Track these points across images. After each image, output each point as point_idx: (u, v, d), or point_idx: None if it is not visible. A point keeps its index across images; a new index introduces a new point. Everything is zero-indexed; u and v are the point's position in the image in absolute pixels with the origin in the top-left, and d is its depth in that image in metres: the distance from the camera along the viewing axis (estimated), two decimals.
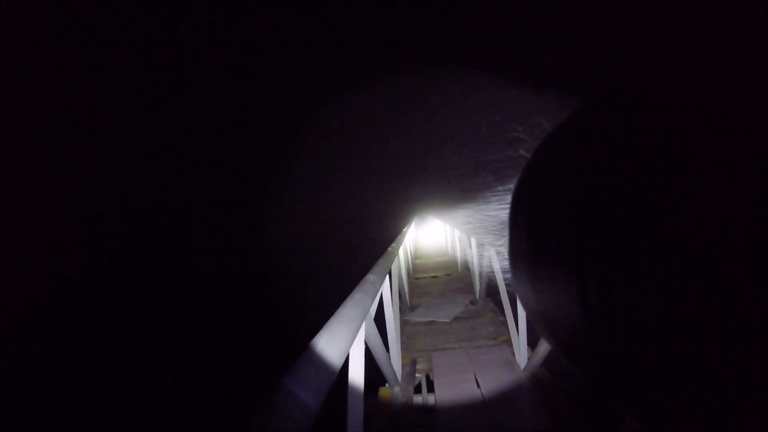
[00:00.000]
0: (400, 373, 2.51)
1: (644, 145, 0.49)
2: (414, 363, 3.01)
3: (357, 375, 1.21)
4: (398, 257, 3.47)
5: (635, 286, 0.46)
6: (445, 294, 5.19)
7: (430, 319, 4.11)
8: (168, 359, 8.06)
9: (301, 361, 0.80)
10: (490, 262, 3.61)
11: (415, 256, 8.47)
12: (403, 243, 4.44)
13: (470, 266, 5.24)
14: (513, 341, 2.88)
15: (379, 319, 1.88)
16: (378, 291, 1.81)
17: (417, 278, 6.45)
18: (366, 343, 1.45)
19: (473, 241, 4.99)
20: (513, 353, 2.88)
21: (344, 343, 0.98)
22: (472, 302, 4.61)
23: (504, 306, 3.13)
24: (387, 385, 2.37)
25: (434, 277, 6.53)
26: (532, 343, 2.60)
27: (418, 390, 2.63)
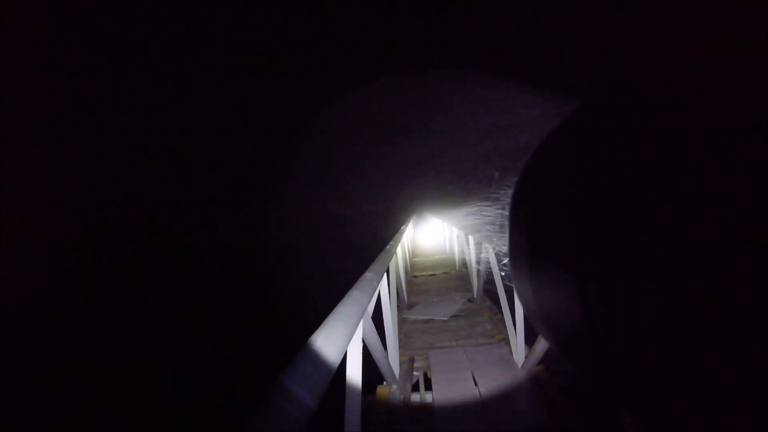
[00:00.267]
0: (398, 371, 2.51)
1: (644, 145, 0.49)
2: (412, 361, 3.01)
3: (355, 373, 1.21)
4: (396, 255, 3.46)
5: (635, 286, 0.46)
6: (443, 292, 5.19)
7: (427, 317, 4.11)
8: (167, 359, 8.06)
9: (299, 359, 0.80)
10: (488, 261, 3.60)
11: (413, 255, 8.47)
12: (401, 241, 4.44)
13: (468, 264, 5.23)
14: (510, 339, 2.89)
15: (377, 317, 1.88)
16: (376, 289, 1.81)
17: (415, 276, 6.44)
18: (364, 341, 1.45)
19: (471, 239, 4.99)
20: (510, 351, 2.88)
21: (342, 341, 0.98)
22: (469, 300, 4.61)
23: (502, 304, 3.13)
24: (385, 383, 2.37)
25: (432, 275, 6.53)
26: (529, 342, 2.60)
27: (415, 388, 2.64)
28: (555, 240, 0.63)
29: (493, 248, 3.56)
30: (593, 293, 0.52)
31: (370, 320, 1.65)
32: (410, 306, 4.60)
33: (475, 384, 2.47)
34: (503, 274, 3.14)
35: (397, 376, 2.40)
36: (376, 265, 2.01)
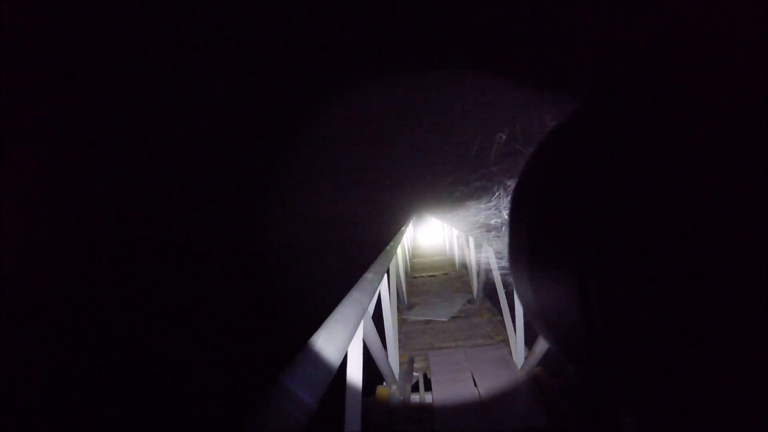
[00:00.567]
0: (398, 371, 2.51)
1: (644, 145, 0.49)
2: (411, 362, 3.00)
3: (355, 373, 1.20)
4: (396, 256, 3.46)
5: (635, 286, 0.46)
6: (443, 293, 5.18)
7: (427, 318, 4.11)
8: (168, 359, 8.06)
9: (299, 360, 0.79)
10: (488, 262, 3.60)
11: (413, 255, 8.46)
12: (401, 242, 4.43)
13: (468, 265, 5.23)
14: (510, 340, 2.88)
15: (377, 318, 1.88)
16: (376, 290, 1.80)
17: (415, 277, 6.44)
18: (364, 342, 1.45)
19: (471, 240, 4.98)
20: (510, 352, 2.88)
21: (343, 342, 0.98)
22: (469, 301, 4.61)
23: (501, 305, 3.13)
24: (384, 383, 2.37)
25: (432, 276, 6.52)
26: (529, 343, 2.60)
27: (415, 389, 2.64)
28: (555, 240, 0.63)
29: (493, 249, 3.56)
30: (593, 293, 0.52)
31: (371, 321, 1.65)
32: (410, 307, 4.60)
33: (475, 385, 2.47)
34: (503, 275, 3.14)
35: (397, 376, 2.40)
36: (376, 266, 2.01)
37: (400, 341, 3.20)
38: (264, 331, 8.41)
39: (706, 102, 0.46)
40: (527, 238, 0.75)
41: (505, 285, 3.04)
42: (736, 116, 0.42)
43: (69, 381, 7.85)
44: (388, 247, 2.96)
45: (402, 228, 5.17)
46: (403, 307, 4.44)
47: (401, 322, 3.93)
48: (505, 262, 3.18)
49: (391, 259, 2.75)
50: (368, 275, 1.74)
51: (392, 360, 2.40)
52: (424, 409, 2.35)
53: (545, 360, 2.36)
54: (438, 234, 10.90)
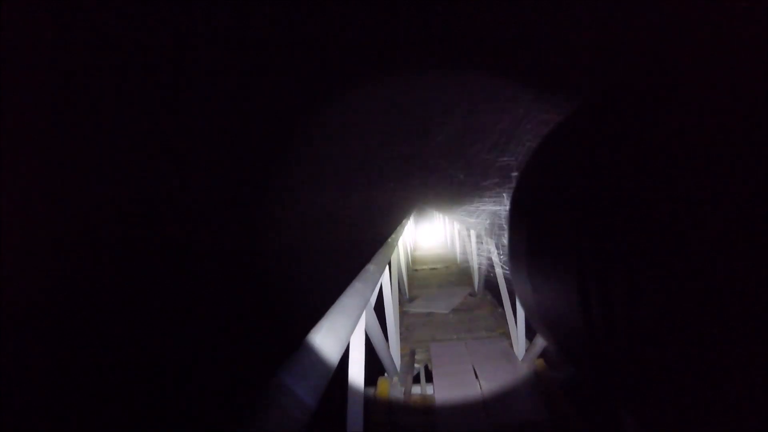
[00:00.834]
0: (399, 363, 2.51)
1: (644, 145, 0.49)
2: (413, 354, 3.01)
3: (358, 364, 1.20)
4: (398, 249, 3.45)
5: (635, 286, 0.46)
6: (444, 286, 5.18)
7: (428, 311, 4.11)
8: (167, 358, 8.07)
9: (302, 350, 0.78)
10: (489, 255, 3.60)
11: (415, 248, 8.45)
12: (403, 235, 4.42)
13: (469, 259, 5.23)
14: (511, 333, 2.89)
15: (378, 310, 1.87)
16: (378, 281, 1.80)
17: (416, 270, 6.43)
18: (366, 332, 1.44)
19: (472, 234, 4.98)
20: (511, 345, 2.88)
21: (345, 332, 0.97)
22: (470, 294, 4.61)
23: (502, 298, 3.13)
24: (386, 374, 2.37)
25: (433, 269, 6.52)
26: (529, 335, 2.61)
27: (416, 380, 2.64)
28: (554, 240, 0.63)
29: (494, 242, 3.56)
30: (593, 293, 0.52)
31: (373, 311, 1.65)
32: (411, 299, 4.61)
33: (476, 377, 2.48)
34: (504, 268, 3.14)
35: (398, 368, 2.40)
36: (377, 258, 2.01)
37: (401, 333, 3.20)
38: (263, 330, 8.41)
39: (705, 102, 0.46)
40: (526, 238, 0.75)
41: (506, 278, 3.04)
42: (736, 116, 0.42)
43: (69, 381, 7.85)
44: (389, 240, 2.95)
45: (403, 221, 5.16)
46: (404, 299, 4.44)
47: (402, 315, 3.93)
48: (505, 259, 3.17)
49: (392, 252, 2.75)
50: (370, 266, 1.73)
51: (394, 351, 2.40)
52: (425, 400, 2.35)
53: (546, 353, 2.37)
54: (440, 227, 10.89)
